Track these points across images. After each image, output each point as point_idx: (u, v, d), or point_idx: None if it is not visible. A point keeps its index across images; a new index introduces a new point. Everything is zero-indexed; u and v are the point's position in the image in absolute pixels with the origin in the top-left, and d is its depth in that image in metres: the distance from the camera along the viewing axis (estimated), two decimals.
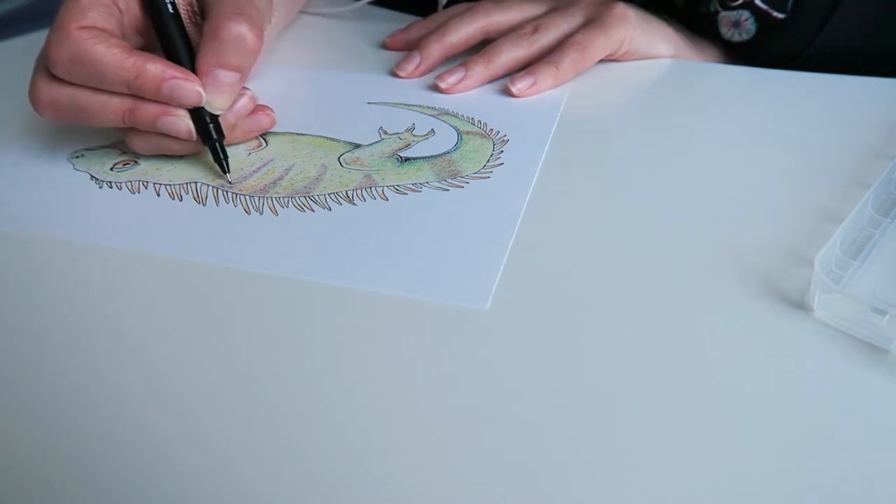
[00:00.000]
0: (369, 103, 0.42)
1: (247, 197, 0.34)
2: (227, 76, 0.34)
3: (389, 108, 0.42)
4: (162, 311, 0.28)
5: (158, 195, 0.34)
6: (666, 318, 0.27)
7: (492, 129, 0.39)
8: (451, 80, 0.43)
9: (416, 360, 0.25)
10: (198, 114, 0.34)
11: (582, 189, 0.35)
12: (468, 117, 0.41)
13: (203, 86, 0.34)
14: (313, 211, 0.33)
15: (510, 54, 0.43)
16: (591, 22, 0.44)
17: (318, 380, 0.25)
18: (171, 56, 0.35)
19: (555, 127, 0.39)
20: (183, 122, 0.34)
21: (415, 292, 0.28)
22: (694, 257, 0.30)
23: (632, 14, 0.45)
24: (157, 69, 0.33)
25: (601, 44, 0.43)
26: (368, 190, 0.34)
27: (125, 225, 0.33)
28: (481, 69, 0.43)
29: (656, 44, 0.47)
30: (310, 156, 0.37)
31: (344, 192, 0.34)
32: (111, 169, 0.36)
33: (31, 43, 0.40)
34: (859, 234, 0.30)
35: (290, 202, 0.34)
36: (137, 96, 0.33)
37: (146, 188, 0.35)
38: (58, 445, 0.23)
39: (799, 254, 0.30)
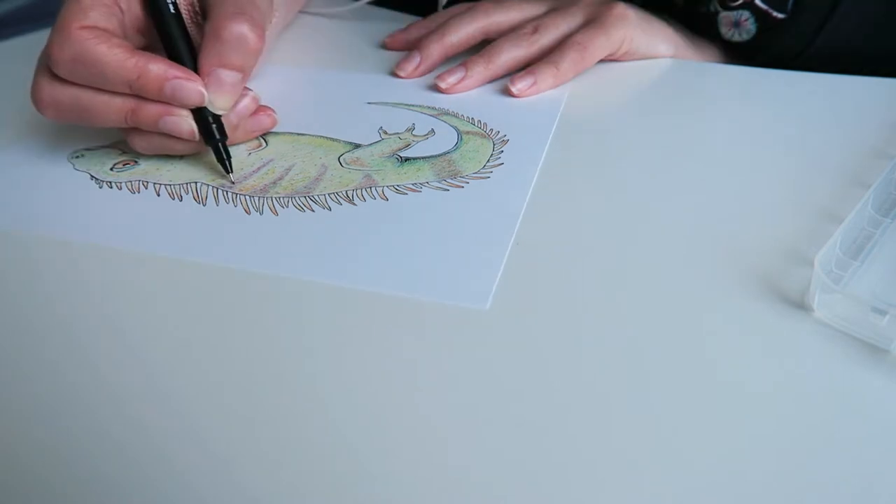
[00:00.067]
0: (369, 103, 0.42)
1: (247, 197, 0.34)
2: (229, 76, 0.34)
3: (389, 108, 0.42)
4: (162, 311, 0.28)
5: (158, 195, 0.34)
6: (666, 318, 0.27)
7: (492, 129, 0.39)
8: (451, 80, 0.43)
9: (416, 360, 0.25)
10: (200, 114, 0.34)
11: (582, 189, 0.35)
12: (468, 117, 0.41)
13: (205, 86, 0.34)
14: (313, 211, 0.33)
15: (510, 54, 0.43)
16: (591, 22, 0.44)
17: (318, 380, 0.25)
18: (173, 56, 0.35)
19: (555, 127, 0.39)
20: (185, 123, 0.34)
21: (415, 292, 0.28)
22: (694, 257, 0.30)
23: (632, 14, 0.45)
24: (159, 69, 0.33)
25: (601, 44, 0.43)
26: (368, 190, 0.34)
27: (125, 225, 0.33)
28: (481, 69, 0.43)
29: (656, 44, 0.47)
30: (310, 156, 0.37)
31: (344, 192, 0.34)
32: (111, 169, 0.36)
33: (31, 43, 0.41)
34: (859, 234, 0.30)
35: (290, 202, 0.34)
36: (140, 96, 0.33)
37: (146, 188, 0.35)
38: (58, 445, 0.23)
39: (799, 254, 0.30)
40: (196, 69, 0.34)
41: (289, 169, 0.36)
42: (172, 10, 0.35)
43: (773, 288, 0.28)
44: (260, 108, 0.38)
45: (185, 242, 0.31)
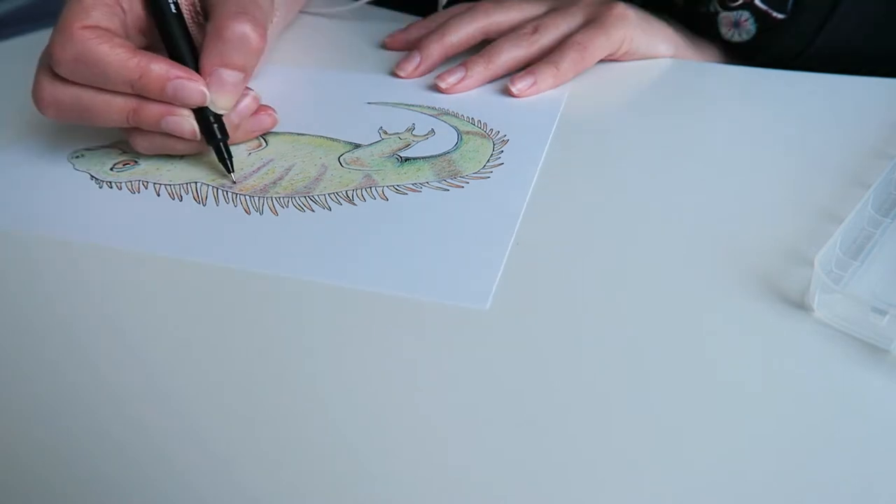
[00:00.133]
0: (369, 103, 0.42)
1: (247, 197, 0.34)
2: (230, 76, 0.34)
3: (389, 108, 0.42)
4: (162, 311, 0.28)
5: (158, 195, 0.34)
6: (666, 317, 0.27)
7: (492, 129, 0.39)
8: (451, 80, 0.43)
9: (416, 360, 0.25)
10: (202, 113, 0.34)
11: (582, 189, 0.35)
12: (468, 117, 0.41)
13: (207, 85, 0.34)
14: (313, 211, 0.33)
15: (510, 54, 0.43)
16: (591, 22, 0.44)
17: (318, 380, 0.25)
18: (175, 56, 0.35)
19: (555, 127, 0.39)
20: (187, 122, 0.34)
21: (415, 292, 0.28)
22: (694, 257, 0.30)
23: (632, 14, 0.45)
24: (161, 69, 0.33)
25: (601, 44, 0.43)
26: (368, 190, 0.34)
27: (125, 225, 0.33)
28: (481, 69, 0.43)
29: (656, 44, 0.47)
30: (310, 156, 0.37)
31: (344, 192, 0.34)
32: (111, 169, 0.36)
33: (31, 43, 0.41)
34: (859, 234, 0.30)
35: (290, 202, 0.34)
36: (141, 96, 0.33)
37: (146, 188, 0.35)
38: (58, 445, 0.23)
39: (799, 254, 0.30)
40: (197, 69, 0.34)
41: (289, 169, 0.36)
42: (174, 10, 0.35)
43: (773, 288, 0.28)
44: (260, 108, 0.38)
45: (185, 242, 0.31)
